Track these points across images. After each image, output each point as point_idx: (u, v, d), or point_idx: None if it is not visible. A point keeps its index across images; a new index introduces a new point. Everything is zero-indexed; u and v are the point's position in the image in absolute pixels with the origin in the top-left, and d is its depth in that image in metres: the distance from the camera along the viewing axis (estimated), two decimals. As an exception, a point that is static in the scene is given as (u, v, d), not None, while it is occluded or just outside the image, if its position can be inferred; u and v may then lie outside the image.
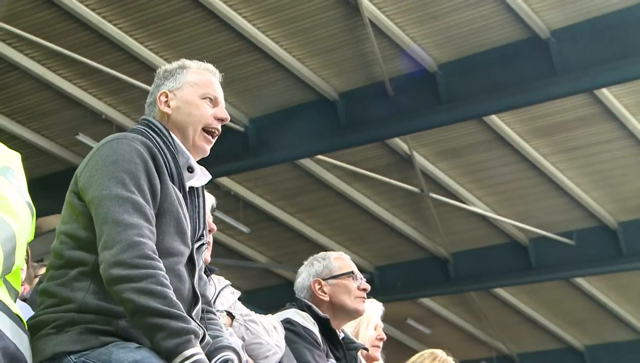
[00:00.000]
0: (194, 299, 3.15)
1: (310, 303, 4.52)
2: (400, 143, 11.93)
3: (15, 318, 2.83)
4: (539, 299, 15.51)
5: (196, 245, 3.23)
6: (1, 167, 2.99)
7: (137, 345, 2.97)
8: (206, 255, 3.67)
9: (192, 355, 2.88)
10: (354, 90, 10.95)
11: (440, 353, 5.04)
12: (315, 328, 4.41)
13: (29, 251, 4.04)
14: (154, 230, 3.01)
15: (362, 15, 9.72)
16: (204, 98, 3.37)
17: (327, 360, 4.43)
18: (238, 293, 4.20)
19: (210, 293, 3.90)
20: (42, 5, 9.87)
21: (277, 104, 11.09)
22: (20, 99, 11.32)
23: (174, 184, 3.18)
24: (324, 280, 4.55)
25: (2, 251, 2.80)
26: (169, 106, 3.31)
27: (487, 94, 10.37)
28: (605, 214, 12.95)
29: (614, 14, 9.58)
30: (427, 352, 5.15)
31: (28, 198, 3.03)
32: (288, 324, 4.38)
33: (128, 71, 10.55)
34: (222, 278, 4.17)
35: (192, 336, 2.94)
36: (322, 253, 4.71)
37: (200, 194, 3.35)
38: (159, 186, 3.09)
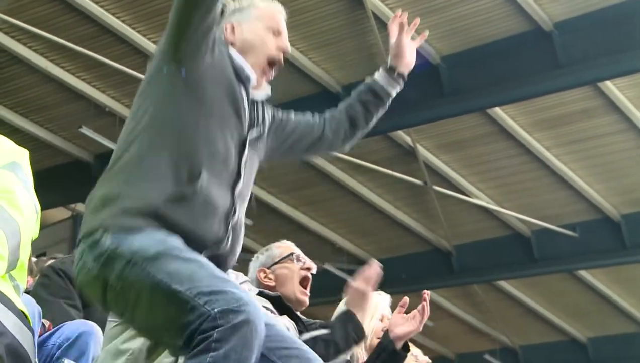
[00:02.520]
0: (237, 176, 3.18)
1: (258, 289, 4.61)
2: (403, 136, 11.97)
3: (20, 315, 2.82)
4: (542, 291, 15.52)
5: (253, 133, 3.31)
6: (9, 163, 2.99)
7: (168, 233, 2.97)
8: None
9: None
10: (357, 82, 10.87)
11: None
12: (269, 305, 4.43)
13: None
14: None
15: (366, 7, 9.74)
16: (268, 30, 3.52)
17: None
18: (256, 290, 4.35)
19: None
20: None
21: (280, 97, 11.03)
22: (23, 92, 11.34)
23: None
24: (267, 268, 4.63)
25: (7, 246, 2.80)
26: (234, 35, 3.44)
27: (491, 87, 10.39)
28: (608, 206, 12.96)
29: (617, 5, 9.59)
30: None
31: (34, 196, 3.02)
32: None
33: (131, 64, 10.53)
34: (240, 274, 4.30)
35: None
36: (267, 246, 4.84)
37: (261, 107, 3.47)
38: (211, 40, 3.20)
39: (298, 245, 13.18)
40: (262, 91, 3.46)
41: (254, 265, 4.70)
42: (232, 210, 3.16)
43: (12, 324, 2.75)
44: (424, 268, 14.27)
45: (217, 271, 2.99)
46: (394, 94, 3.73)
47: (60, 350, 4.29)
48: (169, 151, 3.10)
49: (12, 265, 2.85)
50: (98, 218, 3.04)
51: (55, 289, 5.22)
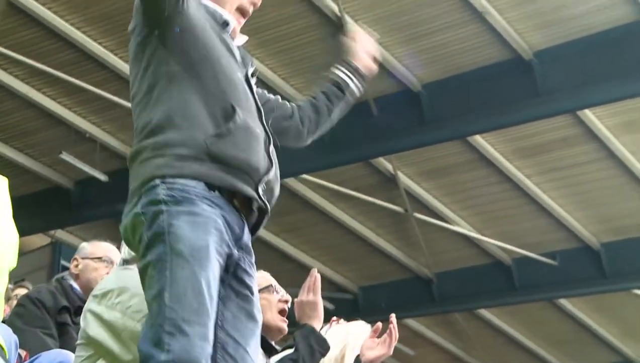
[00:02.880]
0: (258, 108, 3.27)
1: None
2: (384, 163, 11.96)
3: None
4: (522, 320, 15.48)
5: (250, 71, 3.38)
6: None
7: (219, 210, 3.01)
8: None
9: None
10: (337, 109, 10.93)
11: None
12: None
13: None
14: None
15: (346, 31, 9.73)
16: None
17: None
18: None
19: None
20: (26, 24, 9.90)
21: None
22: (3, 117, 11.31)
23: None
24: None
25: None
26: None
27: (471, 115, 10.40)
28: (588, 235, 12.96)
29: (596, 35, 9.63)
30: None
31: (12, 225, 3.01)
32: None
33: (112, 89, 10.56)
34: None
35: None
36: None
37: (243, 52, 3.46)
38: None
39: (279, 272, 13.17)
40: (239, 38, 3.48)
41: None
42: (268, 139, 3.23)
43: None
44: (405, 296, 14.17)
45: (208, 298, 2.97)
46: (350, 85, 3.72)
47: None
48: (198, 97, 3.14)
49: None
50: (151, 168, 3.06)
51: (31, 318, 5.20)
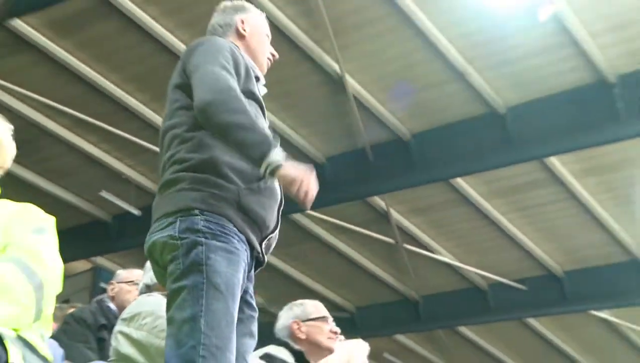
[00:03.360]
0: None
1: (286, 340, 4.55)
2: (378, 201, 11.95)
3: (44, 359, 2.80)
4: (497, 337, 15.43)
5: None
6: (38, 227, 2.99)
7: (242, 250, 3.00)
8: None
9: (276, 161, 3.02)
10: (339, 155, 10.99)
11: None
12: (290, 359, 4.43)
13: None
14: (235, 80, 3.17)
15: (347, 91, 9.79)
16: (265, 35, 3.64)
17: None
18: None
19: None
20: (71, 81, 9.96)
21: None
22: (51, 160, 11.39)
23: (253, 81, 3.36)
24: (302, 321, 4.58)
25: (34, 298, 2.80)
26: (245, 30, 3.53)
27: (453, 160, 10.38)
28: (553, 264, 12.94)
29: (561, 94, 9.63)
30: None
31: (58, 256, 3.01)
32: (267, 357, 4.37)
33: (145, 137, 10.59)
34: None
35: (272, 145, 3.05)
36: (299, 300, 4.77)
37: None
38: (242, 72, 3.25)
39: (286, 294, 13.13)
40: (263, 88, 3.54)
41: (287, 315, 4.64)
42: (282, 201, 3.29)
43: None
44: (395, 315, 14.17)
45: (234, 328, 2.97)
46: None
47: None
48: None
49: (37, 315, 2.84)
50: (189, 199, 3.03)
51: (74, 334, 5.24)
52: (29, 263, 2.83)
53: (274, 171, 3.04)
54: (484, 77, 9.66)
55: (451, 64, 9.44)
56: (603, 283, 12.70)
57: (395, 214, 12.12)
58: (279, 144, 3.10)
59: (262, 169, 3.04)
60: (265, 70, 3.61)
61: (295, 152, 10.90)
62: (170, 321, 2.93)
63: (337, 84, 9.84)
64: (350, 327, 13.65)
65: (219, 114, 3.03)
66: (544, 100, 9.72)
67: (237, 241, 3.02)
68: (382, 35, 9.20)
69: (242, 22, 3.56)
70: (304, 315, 4.55)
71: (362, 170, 10.69)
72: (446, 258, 12.95)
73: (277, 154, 3.06)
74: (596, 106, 9.39)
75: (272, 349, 4.44)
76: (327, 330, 4.55)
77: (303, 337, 4.47)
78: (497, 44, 9.16)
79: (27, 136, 10.28)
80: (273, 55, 3.67)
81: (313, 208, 12.54)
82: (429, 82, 9.73)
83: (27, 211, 3.08)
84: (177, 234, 2.97)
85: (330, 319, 4.62)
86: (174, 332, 2.89)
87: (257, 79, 3.44)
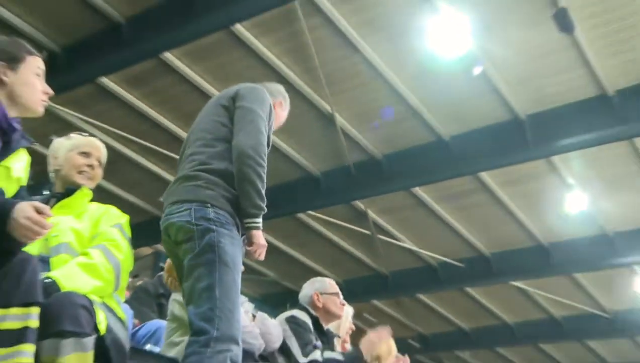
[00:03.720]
0: None
1: (307, 306, 4.46)
2: (359, 204, 11.92)
3: (120, 320, 2.80)
4: (444, 301, 15.40)
5: None
6: (115, 223, 3.04)
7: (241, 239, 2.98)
8: None
9: (258, 224, 2.98)
10: (330, 170, 10.95)
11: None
12: (309, 321, 4.34)
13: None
14: None
15: (336, 124, 9.80)
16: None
17: (316, 341, 4.36)
18: (252, 305, 4.18)
19: None
20: (139, 119, 9.86)
21: (279, 179, 11.03)
22: (125, 175, 11.34)
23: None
24: (321, 294, 4.50)
25: (113, 274, 2.82)
26: (276, 108, 3.54)
27: (413, 175, 10.35)
28: (483, 248, 12.90)
29: (487, 126, 9.62)
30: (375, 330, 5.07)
31: (129, 244, 3.04)
32: (292, 318, 4.30)
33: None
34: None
35: (262, 213, 3.00)
36: (320, 278, 4.69)
37: None
38: (269, 125, 3.25)
39: (294, 272, 12.86)
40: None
41: (310, 287, 4.52)
42: None
43: (117, 326, 2.74)
44: (371, 286, 14.09)
45: (239, 295, 2.94)
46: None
47: (144, 339, 4.28)
48: None
49: (115, 287, 2.84)
50: (204, 194, 2.98)
51: (141, 301, 5.21)
52: (110, 249, 2.85)
53: (251, 228, 3.00)
54: (432, 113, 9.62)
55: (409, 104, 9.42)
56: (518, 262, 12.71)
57: (371, 214, 12.10)
58: (265, 211, 3.05)
59: (245, 220, 3.01)
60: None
61: (298, 168, 10.92)
62: (190, 289, 2.87)
63: (328, 119, 9.80)
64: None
65: (248, 165, 2.98)
66: (475, 131, 9.69)
67: (237, 231, 3.01)
68: (361, 85, 9.17)
69: (280, 104, 3.66)
70: (323, 289, 4.48)
71: (347, 181, 10.65)
72: (408, 244, 12.92)
73: (260, 219, 3.02)
74: (512, 136, 9.36)
75: (296, 312, 4.37)
76: (338, 302, 4.52)
77: (320, 305, 4.41)
78: (442, 90, 9.09)
79: (110, 158, 10.22)
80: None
81: (313, 209, 12.46)
82: (394, 117, 9.68)
83: (110, 211, 3.13)
84: (193, 220, 2.92)
85: (340, 294, 4.55)
86: (195, 298, 2.84)
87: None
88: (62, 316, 2.36)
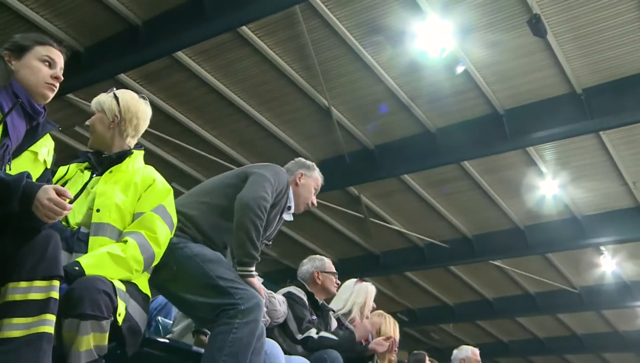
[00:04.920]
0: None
1: (303, 283, 4.41)
2: (353, 190, 11.94)
3: (142, 299, 2.66)
4: (430, 279, 15.41)
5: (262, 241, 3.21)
6: (157, 206, 2.76)
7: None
8: None
9: (251, 272, 2.89)
10: (327, 159, 10.94)
11: (386, 313, 4.97)
12: (304, 297, 4.30)
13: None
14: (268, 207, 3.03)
15: (332, 117, 9.84)
16: (315, 189, 3.62)
17: (312, 316, 4.32)
18: (261, 280, 4.22)
19: None
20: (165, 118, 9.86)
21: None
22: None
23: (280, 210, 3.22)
24: (321, 272, 4.44)
25: (143, 266, 2.66)
26: (300, 181, 3.52)
27: (402, 163, 10.39)
28: (465, 230, 12.94)
29: (470, 120, 9.66)
30: (377, 312, 4.94)
31: (171, 227, 2.78)
32: (289, 294, 4.27)
33: (209, 152, 10.53)
34: None
35: (255, 262, 2.90)
36: (319, 256, 4.64)
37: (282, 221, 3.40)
38: (277, 202, 3.14)
39: (293, 251, 12.88)
40: (288, 217, 3.48)
41: (311, 264, 4.48)
42: None
43: (134, 311, 2.61)
44: (364, 265, 14.09)
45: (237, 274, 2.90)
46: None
47: (155, 311, 4.16)
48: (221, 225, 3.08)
49: (144, 271, 2.71)
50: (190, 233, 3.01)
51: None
52: (147, 241, 2.67)
53: (245, 277, 2.91)
54: (421, 109, 9.68)
55: (399, 100, 9.47)
56: (497, 243, 12.75)
57: (364, 199, 12.13)
58: (258, 260, 2.94)
59: (238, 269, 2.92)
60: (301, 211, 3.53)
61: (297, 157, 10.85)
62: (190, 295, 2.91)
63: (326, 113, 9.84)
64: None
65: (245, 214, 2.88)
66: (459, 124, 9.76)
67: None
68: (355, 81, 9.21)
69: (301, 175, 3.58)
70: (322, 267, 4.44)
71: (342, 169, 10.67)
72: (397, 227, 12.94)
73: (253, 268, 2.92)
74: (492, 129, 9.43)
75: (293, 289, 4.34)
76: (334, 281, 4.51)
77: (319, 282, 4.37)
78: (428, 87, 9.16)
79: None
80: (313, 204, 3.59)
81: None
82: (386, 112, 9.72)
83: (155, 187, 2.82)
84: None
85: (336, 274, 4.55)
86: (200, 293, 2.90)
87: (289, 208, 3.36)
88: (84, 299, 2.30)
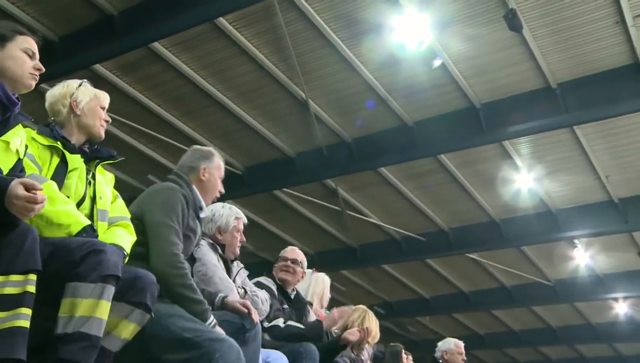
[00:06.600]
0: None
1: (274, 274, 4.53)
2: (330, 183, 11.96)
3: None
4: (407, 272, 15.51)
5: (195, 247, 3.25)
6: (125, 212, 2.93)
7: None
8: (236, 251, 3.85)
9: (212, 321, 2.81)
10: (305, 152, 10.96)
11: (369, 310, 4.99)
12: (274, 287, 4.37)
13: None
14: (182, 245, 2.91)
15: (310, 110, 9.84)
16: (220, 178, 3.40)
17: (282, 305, 4.34)
18: (247, 272, 4.16)
19: (233, 273, 3.86)
20: (128, 103, 9.81)
21: (257, 159, 11.07)
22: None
23: (194, 215, 3.13)
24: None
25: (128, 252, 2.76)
26: (204, 176, 3.31)
27: (379, 156, 10.43)
28: (442, 223, 13.02)
29: (447, 114, 9.70)
30: (360, 307, 5.02)
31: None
32: (258, 283, 4.34)
33: (176, 139, 10.44)
34: (238, 262, 4.10)
35: (207, 309, 2.82)
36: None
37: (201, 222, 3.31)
38: (185, 219, 3.02)
39: (271, 245, 12.70)
40: (205, 213, 3.34)
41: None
42: None
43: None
44: (341, 258, 14.13)
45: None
46: None
47: None
48: None
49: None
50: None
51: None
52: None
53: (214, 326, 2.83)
54: (397, 101, 9.73)
55: (376, 93, 9.51)
56: (473, 236, 12.85)
57: (341, 191, 12.16)
58: (209, 308, 2.85)
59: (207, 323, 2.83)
60: (210, 201, 3.37)
61: (275, 149, 10.94)
62: None
63: (303, 105, 9.84)
64: (312, 264, 13.57)
65: (170, 284, 2.78)
66: (435, 118, 9.82)
67: None
68: (333, 74, 9.23)
69: (204, 170, 3.34)
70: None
71: (320, 162, 10.69)
72: (375, 220, 12.99)
73: (211, 317, 2.82)
74: (469, 123, 9.51)
75: (262, 278, 4.43)
76: (302, 273, 4.59)
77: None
78: (406, 80, 9.20)
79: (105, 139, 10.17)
80: (220, 192, 3.39)
81: (288, 187, 12.42)
82: (363, 105, 9.76)
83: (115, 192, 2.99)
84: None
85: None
86: None
87: (201, 208, 3.22)
88: (146, 292, 2.47)
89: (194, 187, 3.25)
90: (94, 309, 2.27)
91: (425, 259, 14.35)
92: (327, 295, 4.99)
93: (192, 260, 3.25)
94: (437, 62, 8.59)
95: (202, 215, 3.24)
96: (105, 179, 2.94)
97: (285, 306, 4.36)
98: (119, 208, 2.88)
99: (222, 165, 3.43)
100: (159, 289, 2.66)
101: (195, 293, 2.83)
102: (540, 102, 9.09)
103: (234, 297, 3.39)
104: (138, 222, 2.92)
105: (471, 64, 8.86)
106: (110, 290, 2.32)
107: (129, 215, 2.87)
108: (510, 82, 9.11)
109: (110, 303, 2.32)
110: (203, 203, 3.27)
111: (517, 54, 8.59)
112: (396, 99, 9.65)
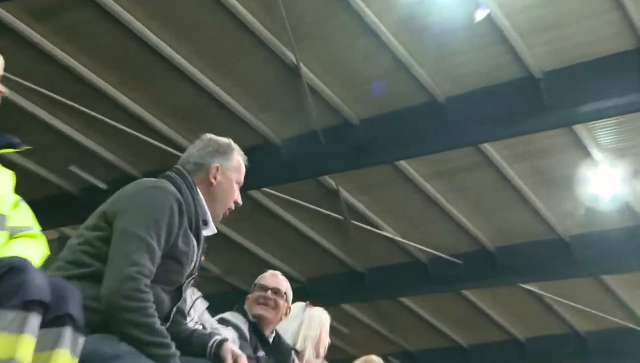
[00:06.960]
0: (169, 313, 3.09)
1: (246, 309, 4.55)
2: (329, 180, 11.99)
3: None
4: (435, 307, 15.53)
5: (188, 280, 3.16)
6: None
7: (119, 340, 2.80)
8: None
9: (174, 356, 2.82)
10: (294, 137, 11.05)
11: (374, 358, 5.00)
12: (244, 326, 4.39)
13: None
14: (154, 270, 2.87)
15: (302, 79, 9.89)
16: (237, 183, 3.37)
17: (257, 352, 4.37)
18: (207, 304, 4.30)
19: (187, 304, 3.86)
20: (45, 63, 9.87)
21: (239, 145, 11.06)
22: (25, 136, 11.10)
23: (191, 230, 3.07)
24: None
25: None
26: (215, 179, 3.27)
27: (397, 144, 10.53)
28: (486, 240, 13.05)
29: (493, 87, 9.79)
30: (369, 359, 5.03)
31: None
32: (223, 320, 4.41)
33: (112, 116, 10.55)
34: (195, 289, 4.20)
35: (172, 355, 2.82)
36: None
37: (204, 241, 3.25)
38: (174, 235, 2.97)
39: (243, 265, 12.80)
40: (211, 230, 3.33)
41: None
42: None
43: None
44: (343, 286, 14.25)
45: None
46: None
47: None
48: None
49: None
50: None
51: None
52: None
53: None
54: (425, 70, 9.77)
55: (397, 57, 9.55)
56: (530, 260, 12.80)
57: (344, 193, 12.17)
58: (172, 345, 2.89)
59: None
60: (220, 218, 3.37)
61: (253, 133, 10.93)
62: None
63: (293, 72, 9.88)
64: (302, 296, 13.57)
65: (117, 321, 2.78)
66: (478, 92, 9.88)
67: None
68: (335, 30, 9.28)
69: (217, 170, 3.31)
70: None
71: (314, 151, 10.74)
72: (390, 233, 13.02)
73: (171, 351, 2.84)
74: (524, 99, 9.58)
75: (228, 314, 4.48)
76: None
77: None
78: (437, 40, 9.26)
79: (3, 113, 10.20)
80: (237, 203, 3.40)
81: (269, 185, 12.42)
82: (377, 73, 9.83)
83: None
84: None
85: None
86: None
87: (205, 222, 3.23)
88: (67, 299, 2.48)
89: (199, 191, 3.24)
90: (13, 348, 2.29)
91: (462, 290, 14.36)
92: (326, 340, 4.97)
93: (180, 313, 3.20)
94: (481, 14, 8.64)
95: (205, 232, 3.22)
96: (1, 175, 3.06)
97: (261, 353, 4.43)
98: (23, 215, 3.01)
99: (243, 166, 3.41)
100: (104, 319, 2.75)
101: (155, 334, 2.80)
102: (629, 71, 9.06)
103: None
104: (106, 226, 2.95)
105: (530, 17, 8.87)
106: (35, 320, 2.36)
107: (36, 225, 2.98)
108: (586, 42, 9.13)
109: (35, 339, 2.36)
110: (209, 215, 3.24)
111: (597, 1, 8.60)
112: (422, 65, 9.69)
